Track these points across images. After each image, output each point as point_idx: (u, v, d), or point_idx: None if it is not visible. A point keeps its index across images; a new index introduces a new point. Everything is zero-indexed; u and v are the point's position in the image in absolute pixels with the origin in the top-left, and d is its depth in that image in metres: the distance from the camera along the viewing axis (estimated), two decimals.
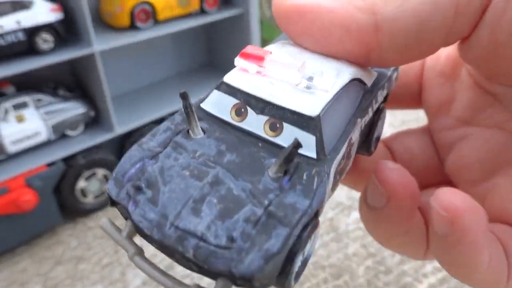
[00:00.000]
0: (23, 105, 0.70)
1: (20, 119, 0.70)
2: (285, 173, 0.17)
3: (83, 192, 0.76)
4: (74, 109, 0.75)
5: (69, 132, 0.76)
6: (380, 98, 0.22)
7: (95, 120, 0.79)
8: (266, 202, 0.16)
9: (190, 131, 0.18)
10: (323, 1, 0.19)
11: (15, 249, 0.73)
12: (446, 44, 0.18)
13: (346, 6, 0.19)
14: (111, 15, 0.77)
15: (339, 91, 0.18)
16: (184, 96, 0.17)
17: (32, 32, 0.65)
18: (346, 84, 0.19)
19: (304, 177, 0.17)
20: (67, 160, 0.73)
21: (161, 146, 0.18)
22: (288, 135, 0.18)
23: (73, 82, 0.81)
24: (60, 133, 0.74)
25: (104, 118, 0.77)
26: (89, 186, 0.76)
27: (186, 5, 0.81)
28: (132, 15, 0.75)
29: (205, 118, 0.19)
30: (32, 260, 0.71)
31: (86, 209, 0.77)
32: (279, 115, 0.18)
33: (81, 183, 0.75)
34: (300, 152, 0.17)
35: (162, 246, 0.15)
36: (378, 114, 0.23)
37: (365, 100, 0.21)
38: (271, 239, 0.15)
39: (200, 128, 0.18)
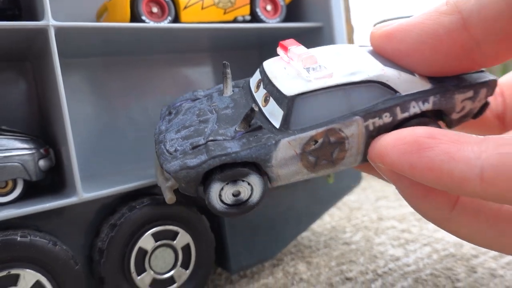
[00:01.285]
0: None
1: None
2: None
3: None
4: (9, 148, 0.40)
5: None
6: (414, 110, 0.25)
7: (52, 179, 0.43)
8: (211, 138, 0.26)
9: (223, 90, 0.31)
10: (410, 20, 0.21)
11: None
12: None
13: (430, 15, 0.19)
14: (104, 12, 0.47)
15: (336, 85, 0.25)
16: (224, 66, 0.30)
17: None
18: (355, 83, 0.24)
19: (255, 136, 0.25)
20: None
21: (204, 96, 0.32)
22: (271, 107, 0.26)
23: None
24: None
25: (63, 174, 0.41)
26: None
27: (227, 6, 0.50)
28: (134, 4, 0.45)
29: (244, 86, 0.31)
30: None
31: None
32: (271, 91, 0.26)
33: None
34: (270, 120, 0.26)
35: (155, 143, 0.29)
36: (415, 122, 0.26)
37: (383, 104, 0.25)
38: (194, 159, 0.25)
39: (229, 90, 0.30)
